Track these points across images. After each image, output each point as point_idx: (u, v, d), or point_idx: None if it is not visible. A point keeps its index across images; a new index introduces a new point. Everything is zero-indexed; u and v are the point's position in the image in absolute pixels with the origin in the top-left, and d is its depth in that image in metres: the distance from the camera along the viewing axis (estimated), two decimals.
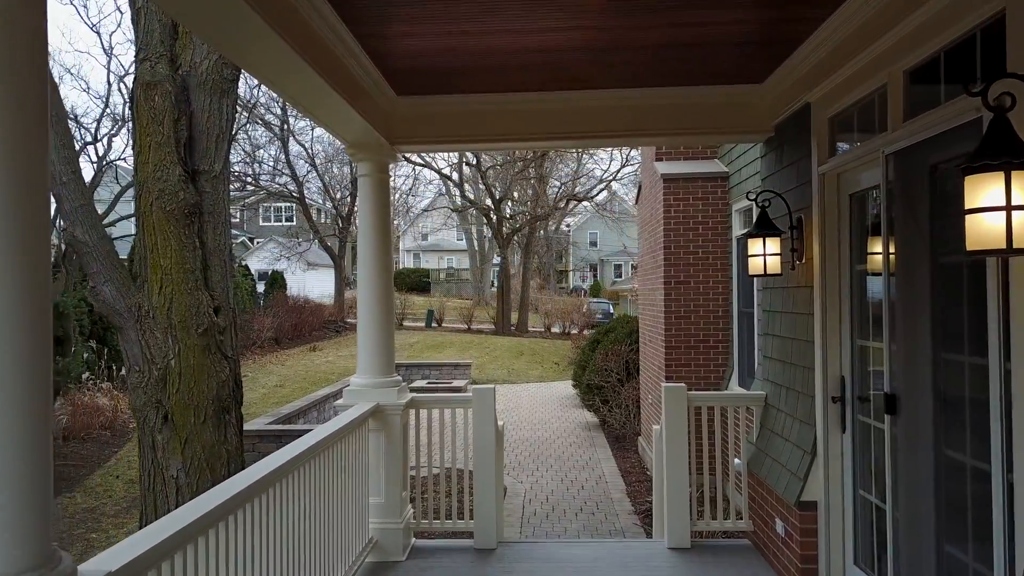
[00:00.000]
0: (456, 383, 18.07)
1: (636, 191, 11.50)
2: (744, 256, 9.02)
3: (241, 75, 6.80)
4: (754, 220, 4.76)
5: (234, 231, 53.57)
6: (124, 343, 5.67)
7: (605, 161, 36.52)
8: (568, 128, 5.10)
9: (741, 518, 5.22)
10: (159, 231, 5.56)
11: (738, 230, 8.68)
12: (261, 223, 60.00)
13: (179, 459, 5.50)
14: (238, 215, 61.12)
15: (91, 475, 10.91)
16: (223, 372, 5.70)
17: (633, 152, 33.38)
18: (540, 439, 12.56)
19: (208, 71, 5.78)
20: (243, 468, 6.12)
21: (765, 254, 4.46)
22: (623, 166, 33.15)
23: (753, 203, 8.10)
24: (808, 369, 4.30)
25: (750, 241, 4.58)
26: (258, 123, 30.57)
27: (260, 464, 3.35)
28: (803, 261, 4.39)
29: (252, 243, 49.35)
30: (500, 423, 5.64)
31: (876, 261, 3.71)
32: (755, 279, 7.81)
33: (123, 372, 13.94)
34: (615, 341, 13.15)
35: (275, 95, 29.74)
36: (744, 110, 5.01)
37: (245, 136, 28.49)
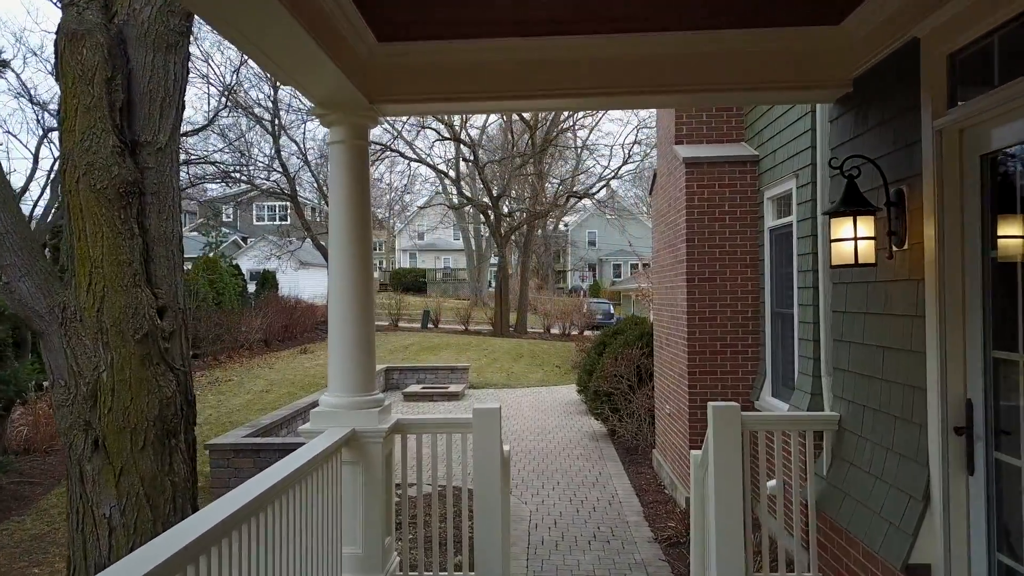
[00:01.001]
0: (452, 388, 17.05)
1: (651, 180, 10.50)
2: (772, 249, 8.04)
3: (194, 28, 5.73)
4: (833, 196, 3.74)
5: (226, 230, 52.48)
6: (46, 352, 4.64)
7: (605, 158, 35.52)
8: (586, 83, 4.08)
9: (809, 572, 4.21)
10: (88, 214, 4.52)
11: (771, 220, 7.67)
12: (254, 222, 58.95)
13: (112, 494, 4.47)
14: (231, 214, 60.12)
15: (48, 493, 9.86)
16: (168, 387, 4.67)
17: (636, 148, 32.40)
18: (544, 451, 11.55)
19: (151, 20, 4.74)
20: (194, 502, 5.10)
21: (856, 238, 3.42)
22: (624, 163, 32.17)
23: (793, 188, 7.12)
24: (913, 388, 3.28)
25: (834, 222, 3.56)
26: (244, 114, 29.50)
27: (183, 526, 2.33)
28: (905, 247, 3.37)
29: (245, 242, 48.28)
30: (506, 448, 4.61)
31: (1019, 247, 2.71)
32: (795, 274, 6.82)
33: None
34: (625, 344, 12.14)
35: (265, 92, 28.73)
36: (811, 60, 3.99)
37: (235, 129, 27.49)
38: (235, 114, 24.74)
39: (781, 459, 4.33)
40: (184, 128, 12.25)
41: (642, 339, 12.13)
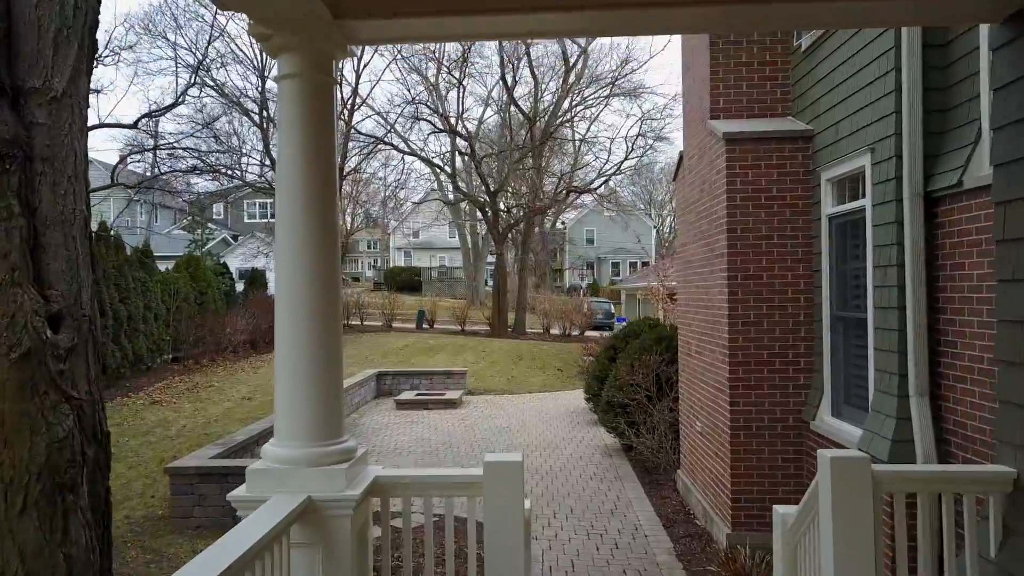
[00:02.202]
0: (449, 394, 15.80)
1: (676, 164, 9.27)
2: (832, 240, 6.78)
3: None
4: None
5: (215, 227, 51.12)
6: None
7: (606, 151, 34.25)
8: None
9: None
10: None
11: (830, 206, 6.45)
12: (246, 220, 57.57)
13: None
14: (222, 212, 58.75)
15: None
16: (61, 424, 3.41)
17: (640, 140, 31.18)
18: (554, 469, 10.30)
19: None
20: None
21: None
22: (626, 157, 30.92)
23: (867, 165, 5.81)
24: None
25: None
26: (228, 104, 28.22)
27: None
28: None
29: (235, 240, 46.90)
30: (527, 507, 3.32)
31: None
32: (870, 270, 5.57)
33: None
34: (641, 350, 10.90)
35: (252, 82, 27.40)
36: None
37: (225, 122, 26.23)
38: (218, 102, 23.39)
39: (930, 533, 3.07)
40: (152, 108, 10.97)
41: (661, 343, 10.90)
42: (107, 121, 10.70)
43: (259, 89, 27.55)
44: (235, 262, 39.42)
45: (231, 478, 8.07)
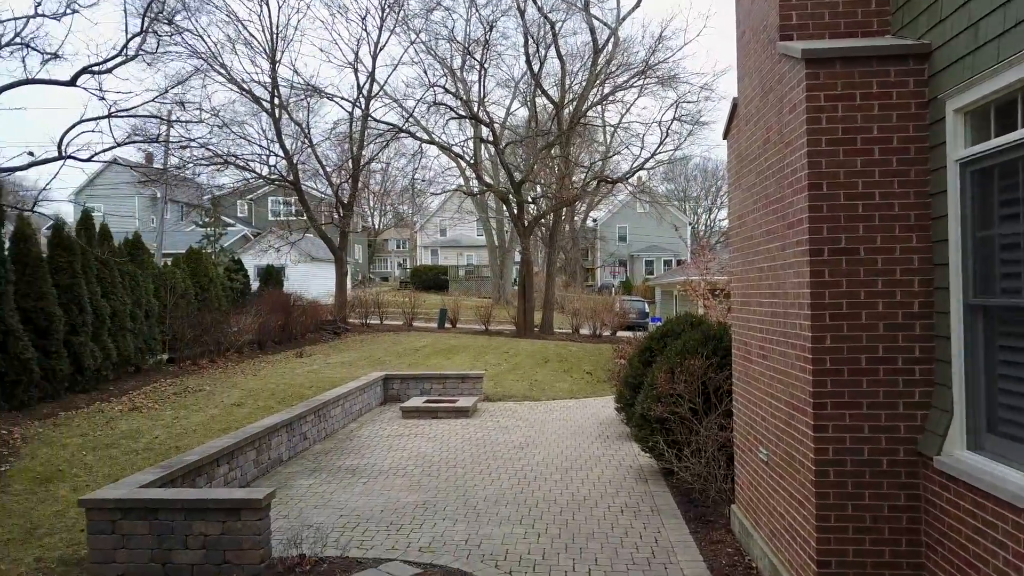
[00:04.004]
0: (462, 402, 13.99)
1: (728, 115, 7.34)
2: (966, 196, 4.70)
3: None
4: None
5: (237, 223, 50.08)
6: None
7: (639, 139, 32.20)
8: None
9: None
10: None
11: (961, 147, 4.50)
12: (269, 217, 56.52)
13: None
14: (245, 209, 57.79)
15: None
16: None
17: (676, 125, 29.09)
18: (575, 499, 8.43)
19: None
20: None
21: None
22: (661, 143, 28.83)
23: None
24: None
25: None
26: (246, 95, 26.75)
27: None
28: None
29: (255, 237, 45.69)
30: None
31: None
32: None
33: None
34: (683, 352, 8.97)
35: (263, 67, 25.89)
36: None
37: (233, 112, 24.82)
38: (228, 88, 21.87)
39: None
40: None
41: (707, 344, 8.97)
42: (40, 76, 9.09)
43: (271, 75, 26.04)
44: (255, 259, 38.18)
45: (161, 515, 6.34)
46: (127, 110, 9.50)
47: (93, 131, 8.63)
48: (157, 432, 11.69)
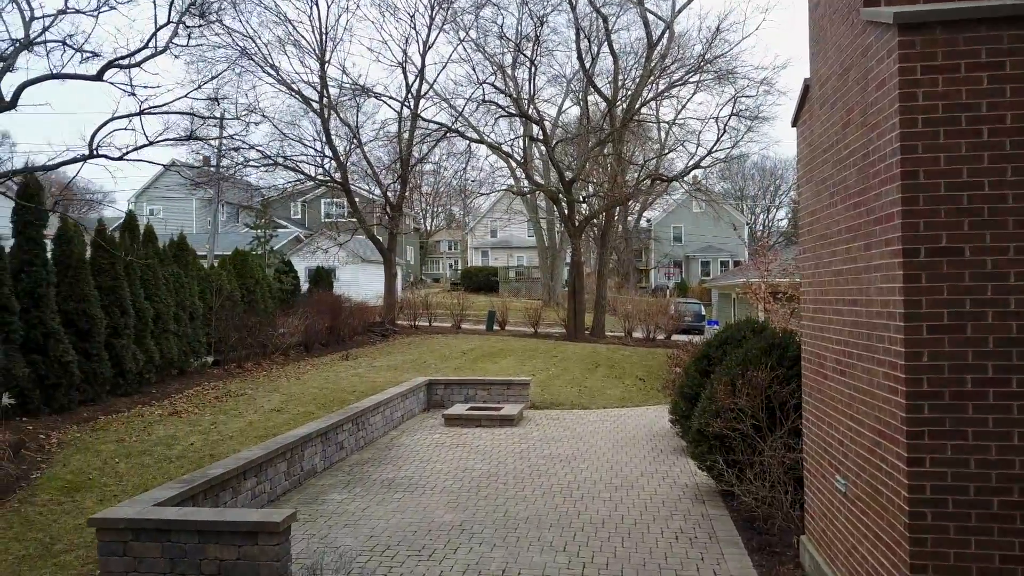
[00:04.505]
0: (507, 409, 13.37)
1: (798, 99, 6.54)
2: None
3: None
4: None
5: (290, 225, 50.51)
6: None
7: (695, 135, 31.19)
8: None
9: None
10: None
11: None
12: (322, 218, 56.88)
13: None
14: (299, 211, 58.33)
15: None
16: None
17: (733, 121, 28.02)
18: (625, 522, 7.73)
19: None
20: None
21: None
22: (718, 139, 27.75)
23: None
24: None
25: None
26: (295, 96, 26.67)
27: None
28: None
29: (306, 239, 45.95)
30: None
31: None
32: None
33: (9, 399, 9.73)
34: (745, 362, 8.18)
35: (311, 67, 25.74)
36: None
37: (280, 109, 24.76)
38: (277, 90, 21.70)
39: None
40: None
41: (771, 354, 8.16)
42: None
43: (320, 74, 25.88)
44: (305, 261, 38.27)
45: (174, 538, 5.87)
46: (159, 107, 9.11)
47: (126, 129, 8.38)
48: (193, 439, 11.36)
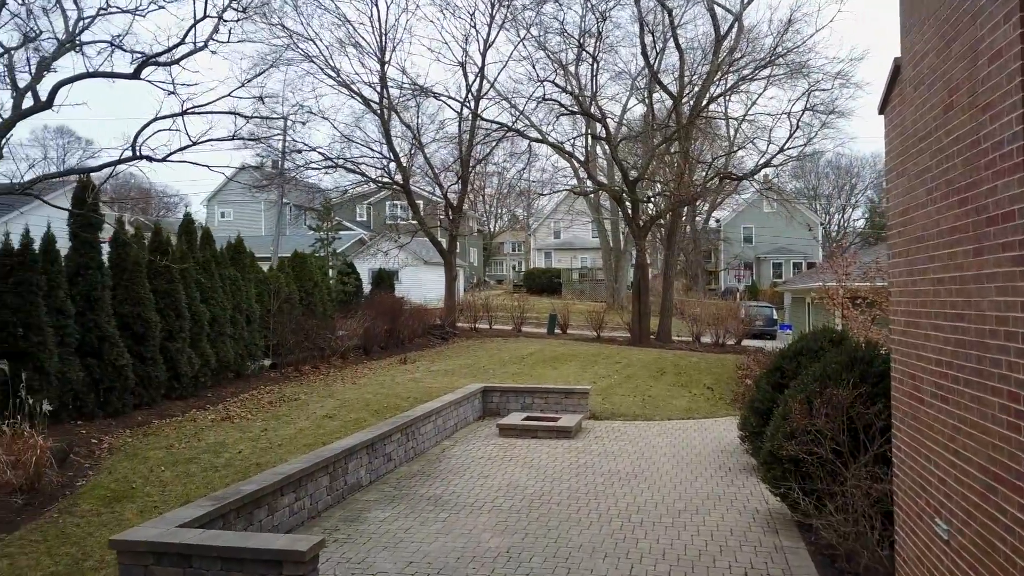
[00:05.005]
0: (564, 420, 12.75)
1: (887, 81, 5.75)
2: None
3: None
4: None
5: (355, 228, 50.97)
6: None
7: (765, 132, 29.90)
8: None
9: None
10: None
11: None
12: (387, 220, 57.25)
13: None
14: (363, 213, 58.89)
15: None
16: None
17: (807, 116, 26.72)
18: (687, 554, 7.03)
19: None
20: None
21: None
22: (791, 135, 26.47)
23: None
24: None
25: None
26: (356, 97, 26.61)
27: None
28: None
29: (370, 240, 46.22)
30: None
31: None
32: None
33: (46, 406, 9.61)
34: (824, 378, 7.37)
35: (371, 67, 25.61)
36: None
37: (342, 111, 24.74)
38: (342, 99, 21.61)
39: None
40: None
41: (853, 369, 7.34)
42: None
43: (380, 74, 25.75)
44: (368, 263, 38.37)
45: (198, 563, 5.47)
46: (202, 106, 8.84)
47: (170, 129, 8.20)
48: (242, 447, 11.10)
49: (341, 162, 25.67)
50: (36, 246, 11.60)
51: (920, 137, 5.01)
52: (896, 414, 5.68)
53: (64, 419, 11.63)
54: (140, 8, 9.32)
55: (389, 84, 26.32)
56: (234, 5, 8.29)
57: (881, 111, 6.02)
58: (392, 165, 27.05)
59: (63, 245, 12.26)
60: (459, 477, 9.91)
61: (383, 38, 25.49)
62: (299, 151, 26.81)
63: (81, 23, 8.87)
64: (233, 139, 8.84)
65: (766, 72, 27.62)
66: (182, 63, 8.72)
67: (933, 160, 4.74)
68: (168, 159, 8.69)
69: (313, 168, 25.95)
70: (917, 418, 5.10)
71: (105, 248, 13.19)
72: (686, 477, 9.88)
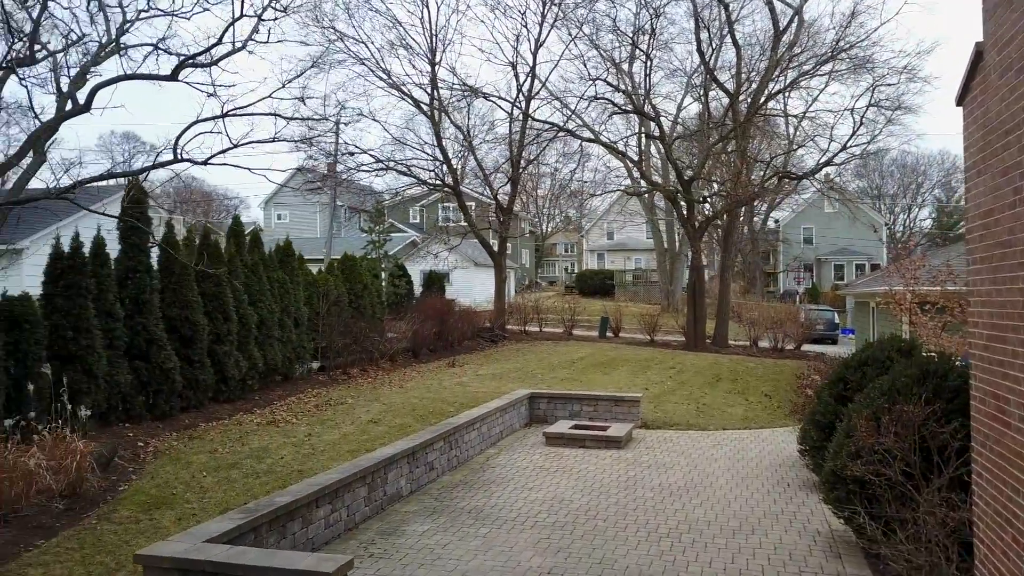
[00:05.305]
0: (614, 430, 12.30)
1: (966, 69, 5.20)
2: None
3: None
4: None
5: (408, 230, 51.21)
6: None
7: (826, 130, 28.82)
8: None
9: None
10: None
11: None
12: (439, 222, 57.39)
13: None
14: (417, 216, 59.17)
15: None
16: None
17: (871, 112, 25.65)
18: None
19: None
20: None
21: None
22: (854, 131, 25.43)
23: None
24: None
25: None
26: (406, 99, 26.57)
27: None
28: None
29: (422, 242, 46.31)
30: None
31: None
32: None
33: (86, 411, 9.60)
34: (893, 392, 6.81)
35: (420, 68, 25.52)
36: None
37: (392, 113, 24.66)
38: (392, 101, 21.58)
39: None
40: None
41: (926, 384, 6.75)
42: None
43: (430, 77, 25.65)
44: (420, 264, 38.42)
45: None
46: (243, 107, 8.71)
47: (211, 132, 8.12)
48: (284, 452, 10.98)
49: (392, 164, 25.66)
50: (86, 249, 11.70)
51: (1007, 130, 4.47)
52: (976, 436, 5.14)
53: (113, 421, 11.70)
54: (182, 10, 9.25)
55: (439, 85, 26.21)
56: (274, 4, 8.15)
57: (959, 102, 5.46)
58: (443, 167, 26.92)
59: (113, 248, 12.36)
60: (502, 488, 9.57)
61: (433, 39, 25.41)
62: (351, 153, 26.91)
63: (126, 25, 8.82)
64: (274, 141, 8.68)
65: (827, 67, 26.66)
66: (221, 64, 8.60)
67: (1023, 155, 4.21)
68: (209, 162, 8.58)
69: (364, 171, 26.03)
70: (1002, 443, 4.56)
71: (155, 252, 13.28)
72: (742, 492, 9.36)
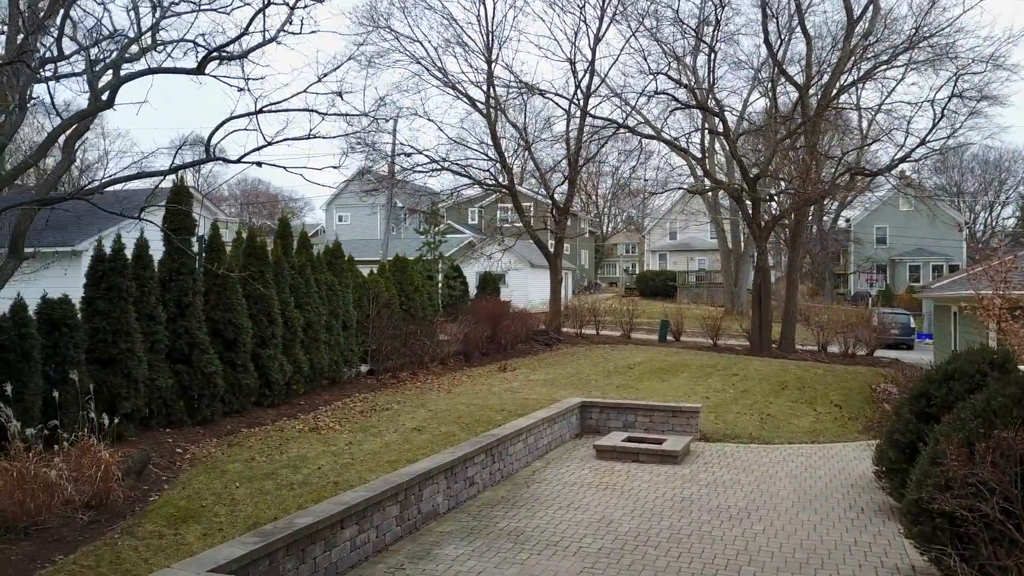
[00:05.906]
0: (669, 444, 11.51)
1: None
2: None
3: None
4: None
5: (467, 231, 50.96)
6: None
7: (903, 123, 27.17)
8: None
9: None
10: None
11: None
12: (498, 223, 57.03)
13: None
14: (474, 217, 58.96)
15: None
16: None
17: (954, 103, 24.06)
18: None
19: None
20: None
21: None
22: (935, 124, 23.87)
23: None
24: None
25: None
26: (462, 98, 26.16)
27: None
28: None
29: (479, 243, 45.99)
30: None
31: None
32: None
33: (115, 421, 9.31)
34: (988, 414, 5.91)
35: (476, 66, 25.08)
36: None
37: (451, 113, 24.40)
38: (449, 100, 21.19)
39: None
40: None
41: None
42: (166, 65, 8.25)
43: (486, 75, 25.18)
44: (476, 266, 38.05)
45: None
46: (277, 103, 8.29)
47: (245, 129, 7.77)
48: (323, 462, 10.55)
49: (447, 164, 25.29)
50: (129, 251, 11.53)
51: None
52: None
53: (153, 426, 11.49)
54: (225, 6, 8.92)
55: (495, 83, 25.71)
56: None
57: None
58: (498, 166, 26.43)
59: (157, 249, 12.18)
60: (546, 508, 8.93)
61: (490, 36, 24.92)
62: (407, 154, 26.68)
63: (161, 19, 8.51)
64: (310, 138, 8.22)
65: (904, 57, 25.13)
66: (252, 57, 8.21)
67: None
68: (243, 159, 8.19)
69: (419, 171, 25.74)
70: None
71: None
72: (809, 518, 8.49)
